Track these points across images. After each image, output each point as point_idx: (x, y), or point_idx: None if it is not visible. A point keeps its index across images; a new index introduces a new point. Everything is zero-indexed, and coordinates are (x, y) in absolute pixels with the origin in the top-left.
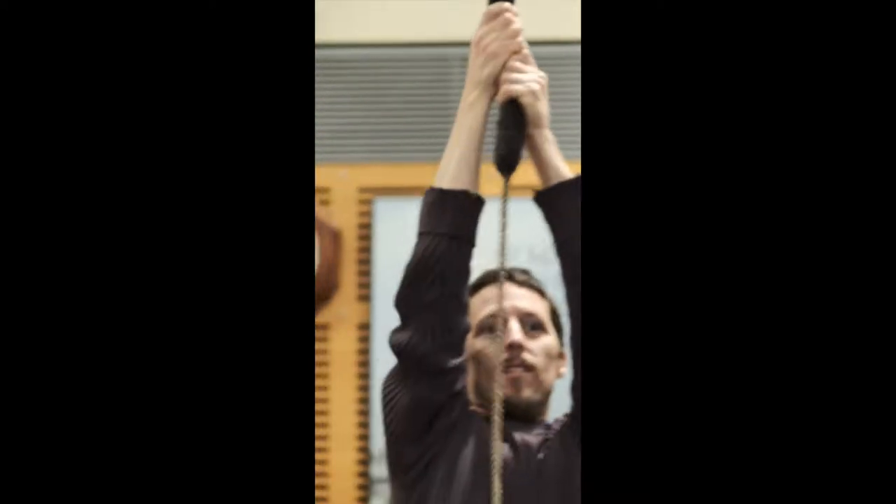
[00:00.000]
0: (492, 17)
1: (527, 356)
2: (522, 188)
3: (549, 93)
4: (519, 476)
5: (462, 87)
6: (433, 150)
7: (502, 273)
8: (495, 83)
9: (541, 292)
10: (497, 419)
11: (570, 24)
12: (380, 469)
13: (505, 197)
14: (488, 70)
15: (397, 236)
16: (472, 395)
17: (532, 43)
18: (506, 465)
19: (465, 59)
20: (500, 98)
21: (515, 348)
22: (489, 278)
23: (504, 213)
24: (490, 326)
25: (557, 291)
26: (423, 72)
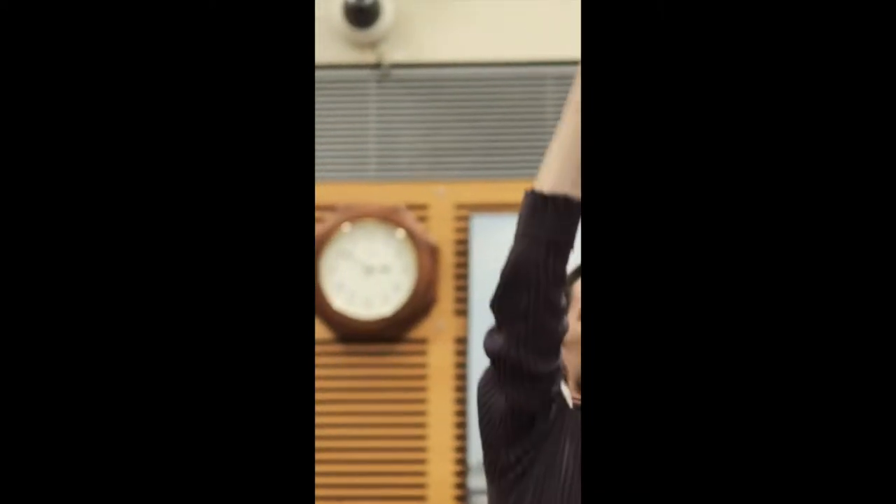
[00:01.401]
0: None
1: None
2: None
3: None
4: None
5: (556, 105)
6: (529, 167)
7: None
8: None
9: None
10: None
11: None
12: (477, 480)
13: None
14: None
15: (493, 252)
16: (571, 383)
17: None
18: None
19: (559, 78)
20: None
21: None
22: None
23: None
24: None
25: None
26: (519, 90)
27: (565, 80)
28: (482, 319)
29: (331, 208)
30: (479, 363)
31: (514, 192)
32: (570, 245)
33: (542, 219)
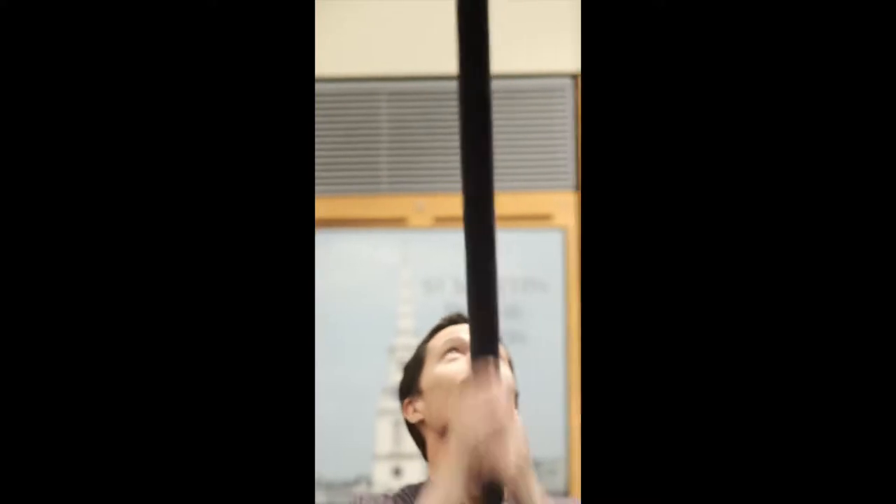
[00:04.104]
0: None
1: None
2: (447, 219)
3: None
4: None
5: (390, 120)
6: (365, 183)
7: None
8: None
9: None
10: None
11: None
12: None
13: None
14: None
15: (340, 267)
16: (433, 434)
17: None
18: None
19: (392, 94)
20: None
21: None
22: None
23: None
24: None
25: None
26: (352, 106)
27: (399, 96)
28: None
29: None
30: None
31: (350, 208)
32: None
33: None
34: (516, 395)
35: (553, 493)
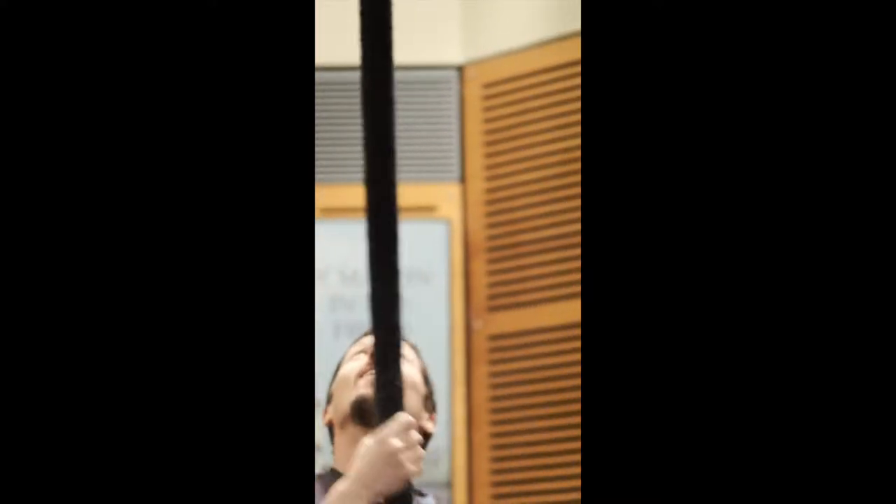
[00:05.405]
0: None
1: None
2: (333, 210)
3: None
4: None
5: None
6: None
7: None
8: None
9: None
10: None
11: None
12: None
13: None
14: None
15: None
16: (339, 418)
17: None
18: None
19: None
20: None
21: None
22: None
23: None
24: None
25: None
26: None
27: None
28: None
29: None
30: None
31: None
32: None
33: None
34: (428, 397)
35: (436, 484)
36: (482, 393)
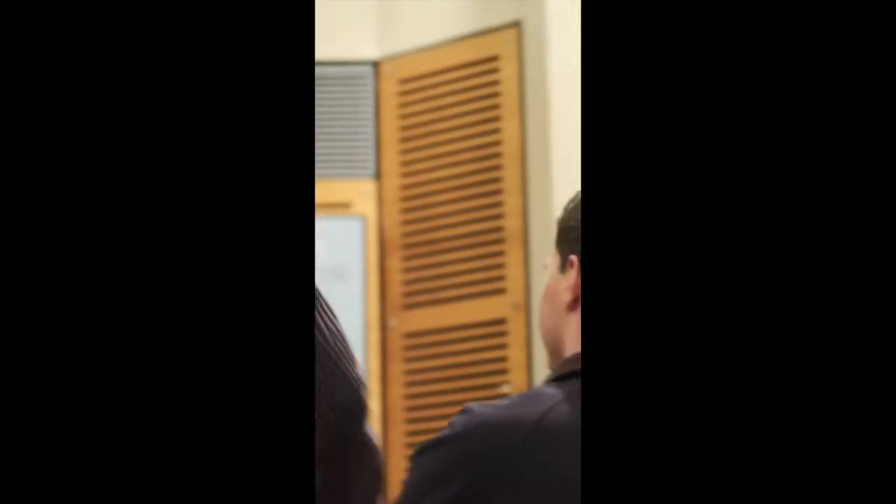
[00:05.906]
0: None
1: None
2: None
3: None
4: None
5: None
6: None
7: None
8: None
9: None
10: None
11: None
12: None
13: None
14: None
15: None
16: None
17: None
18: None
19: None
20: None
21: None
22: None
23: None
24: None
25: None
26: None
27: None
28: None
29: None
30: None
31: None
32: None
33: None
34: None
35: None
36: (397, 391)
